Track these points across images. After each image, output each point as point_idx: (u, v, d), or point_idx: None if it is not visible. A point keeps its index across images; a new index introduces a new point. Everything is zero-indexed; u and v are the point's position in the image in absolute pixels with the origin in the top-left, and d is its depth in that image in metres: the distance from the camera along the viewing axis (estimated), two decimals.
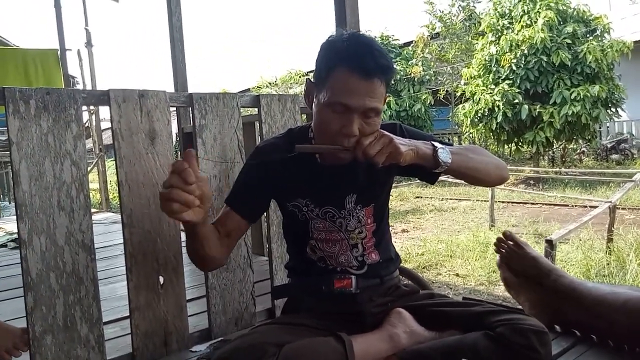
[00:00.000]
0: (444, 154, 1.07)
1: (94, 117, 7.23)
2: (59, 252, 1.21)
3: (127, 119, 1.32)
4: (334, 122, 1.04)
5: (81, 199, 1.24)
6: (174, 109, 2.85)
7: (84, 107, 6.60)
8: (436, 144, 1.10)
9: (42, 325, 1.18)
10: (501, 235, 1.47)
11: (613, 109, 9.16)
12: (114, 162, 1.33)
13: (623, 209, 5.70)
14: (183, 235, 1.38)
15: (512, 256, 1.46)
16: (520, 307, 1.43)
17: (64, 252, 1.21)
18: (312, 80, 1.13)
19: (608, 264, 3.52)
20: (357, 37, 1.07)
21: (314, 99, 1.10)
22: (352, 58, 1.02)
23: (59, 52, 5.49)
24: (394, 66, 1.10)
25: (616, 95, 8.98)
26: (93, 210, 4.89)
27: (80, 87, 6.87)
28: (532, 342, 1.01)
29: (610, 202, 4.08)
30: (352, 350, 1.04)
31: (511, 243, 1.46)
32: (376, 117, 1.05)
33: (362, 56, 1.02)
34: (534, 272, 1.41)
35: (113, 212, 5.09)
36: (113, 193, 8.00)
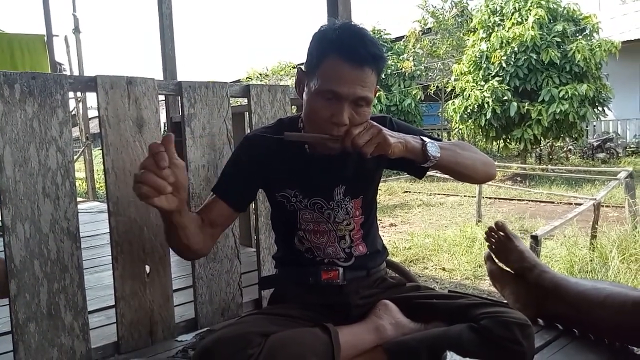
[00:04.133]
0: (433, 149, 1.08)
1: (81, 105, 7.14)
2: (43, 240, 1.19)
3: (114, 106, 1.30)
4: (324, 110, 1.04)
5: (67, 186, 1.22)
6: (163, 98, 2.82)
7: (71, 94, 6.51)
8: (425, 138, 1.10)
9: (25, 313, 1.17)
10: (493, 225, 1.50)
11: (600, 108, 9.26)
12: (100, 151, 1.31)
13: (607, 206, 5.78)
14: None
15: (500, 247, 1.48)
16: (504, 300, 1.46)
17: (48, 239, 1.20)
18: (303, 69, 1.12)
19: (591, 260, 3.57)
20: (349, 27, 1.07)
21: (305, 88, 1.10)
22: (344, 46, 1.02)
23: (45, 38, 5.39)
24: (385, 56, 1.10)
25: (603, 95, 9.08)
26: (80, 199, 4.86)
27: (67, 74, 6.76)
28: (515, 335, 1.02)
29: (595, 199, 4.13)
30: (338, 340, 1.04)
31: (502, 234, 1.48)
32: (366, 106, 1.05)
33: (354, 44, 1.02)
34: (519, 266, 1.44)
35: (100, 202, 5.04)
36: (100, 182, 7.92)
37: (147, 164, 0.87)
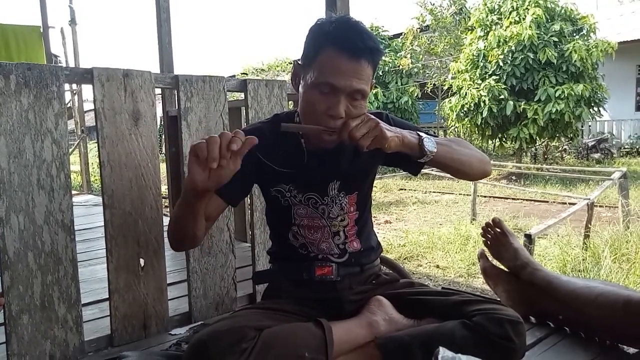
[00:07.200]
0: (430, 144, 1.08)
1: (76, 97, 7.10)
2: (37, 232, 1.19)
3: (110, 99, 1.30)
4: (321, 103, 1.04)
5: (61, 178, 1.22)
6: (159, 92, 2.81)
7: (67, 86, 6.47)
8: (422, 133, 1.11)
9: (18, 305, 1.17)
10: (490, 221, 1.51)
11: (595, 109, 9.31)
12: (96, 144, 1.31)
13: (601, 206, 5.81)
14: (165, 219, 1.37)
15: (495, 243, 1.50)
16: (497, 297, 1.47)
17: (42, 231, 1.20)
18: (299, 62, 1.12)
19: (584, 260, 3.59)
20: (346, 20, 1.07)
21: (301, 81, 1.10)
22: (340, 39, 1.02)
23: (41, 30, 5.35)
24: (382, 49, 1.10)
25: (599, 95, 9.12)
26: (74, 192, 4.83)
27: (63, 65, 6.70)
28: (507, 332, 1.03)
29: (589, 199, 4.16)
30: (332, 335, 1.05)
31: (498, 230, 1.49)
32: (362, 99, 1.05)
33: (350, 37, 1.02)
34: (512, 263, 1.45)
35: (94, 195, 5.02)
36: (94, 175, 7.89)
37: (223, 137, 0.89)
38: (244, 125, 2.01)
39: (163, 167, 2.41)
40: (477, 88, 9.27)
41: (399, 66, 12.76)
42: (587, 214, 4.12)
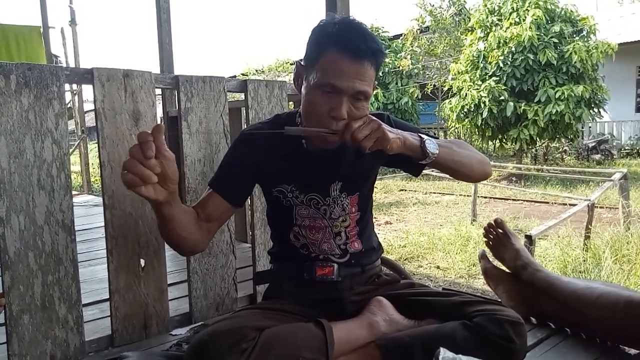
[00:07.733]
0: (431, 145, 1.08)
1: (76, 97, 7.10)
2: (38, 232, 1.19)
3: (110, 99, 1.30)
4: (323, 104, 1.04)
5: (62, 179, 1.22)
6: (160, 92, 2.81)
7: (67, 86, 6.47)
8: (423, 135, 1.11)
9: (19, 305, 1.17)
10: (492, 222, 1.52)
11: (596, 110, 9.30)
12: (96, 144, 1.31)
13: (601, 207, 5.81)
14: None
15: (496, 244, 1.50)
16: (498, 298, 1.47)
17: (43, 231, 1.20)
18: (302, 63, 1.12)
19: (584, 261, 3.59)
20: (349, 21, 1.07)
21: (304, 82, 1.10)
22: (343, 40, 1.02)
23: (41, 30, 5.35)
24: (384, 51, 1.10)
25: (599, 96, 9.12)
26: (75, 192, 4.83)
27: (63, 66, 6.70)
28: (508, 333, 1.03)
29: (589, 200, 4.15)
30: (332, 336, 1.05)
31: (500, 231, 1.50)
32: (365, 101, 1.05)
33: (354, 38, 1.02)
34: (513, 264, 1.45)
35: (95, 195, 5.02)
36: (95, 176, 7.89)
37: (134, 151, 0.86)
38: (244, 126, 2.01)
39: None
40: (477, 89, 9.27)
41: (399, 67, 12.76)
42: (587, 215, 4.11)
